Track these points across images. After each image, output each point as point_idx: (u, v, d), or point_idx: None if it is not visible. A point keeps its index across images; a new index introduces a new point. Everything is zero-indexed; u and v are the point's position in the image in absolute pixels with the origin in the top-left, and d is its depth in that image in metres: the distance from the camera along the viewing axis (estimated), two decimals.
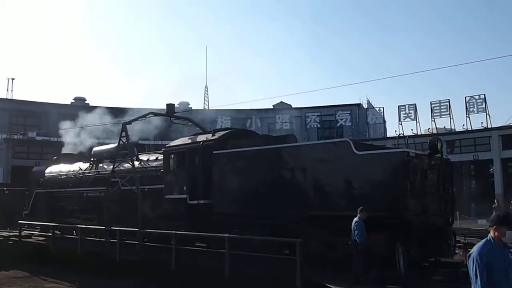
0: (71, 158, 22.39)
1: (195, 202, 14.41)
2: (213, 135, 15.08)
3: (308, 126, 48.22)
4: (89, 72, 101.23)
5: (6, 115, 45.57)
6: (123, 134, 16.92)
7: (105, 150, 20.43)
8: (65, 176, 21.26)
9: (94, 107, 47.83)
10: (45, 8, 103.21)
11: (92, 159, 20.45)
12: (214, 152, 14.12)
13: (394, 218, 10.25)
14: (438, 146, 11.65)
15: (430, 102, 43.61)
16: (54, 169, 22.44)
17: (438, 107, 43.36)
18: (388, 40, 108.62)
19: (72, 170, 21.17)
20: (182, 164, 15.23)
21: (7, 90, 49.30)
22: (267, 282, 11.00)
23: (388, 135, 47.52)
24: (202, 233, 13.41)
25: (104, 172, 18.87)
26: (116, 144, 17.91)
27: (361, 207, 10.25)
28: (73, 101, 50.31)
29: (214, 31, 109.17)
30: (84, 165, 20.71)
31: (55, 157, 24.41)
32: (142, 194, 16.05)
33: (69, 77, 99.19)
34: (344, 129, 48.03)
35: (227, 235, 12.17)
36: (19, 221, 20.84)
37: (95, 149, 21.09)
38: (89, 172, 19.94)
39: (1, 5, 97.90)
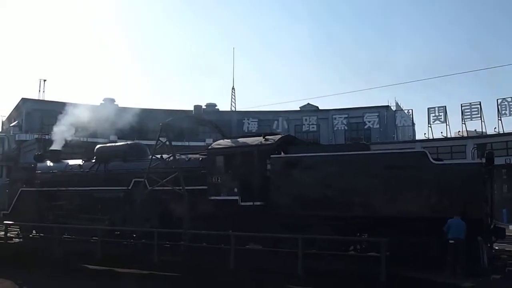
0: (57, 155, 21.38)
1: (250, 203, 14.50)
2: (265, 139, 15.32)
3: (335, 128, 47.90)
4: (118, 72, 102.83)
5: (38, 116, 46.58)
6: (163, 134, 16.74)
7: (113, 148, 19.80)
8: (61, 174, 19.94)
9: (124, 108, 49.02)
10: (78, 10, 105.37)
11: (95, 157, 19.57)
12: (273, 156, 14.53)
13: (470, 220, 11.71)
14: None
15: (461, 105, 42.90)
16: (44, 166, 20.95)
17: (469, 110, 42.55)
18: (420, 42, 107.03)
19: (70, 167, 20.00)
20: (233, 166, 15.19)
21: (39, 91, 50.43)
22: (348, 279, 11.77)
23: (417, 137, 46.88)
24: (268, 234, 13.70)
25: (119, 171, 18.21)
26: (121, 143, 18.48)
27: (460, 211, 11.71)
28: (103, 102, 51.14)
29: (241, 33, 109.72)
30: (87, 163, 19.59)
31: (38, 153, 23.23)
32: (177, 195, 15.87)
33: (99, 78, 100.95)
34: (372, 132, 47.51)
35: (300, 235, 12.66)
36: (5, 222, 19.60)
37: (99, 147, 20.31)
38: (96, 171, 18.95)
39: (36, 7, 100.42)
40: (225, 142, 16.32)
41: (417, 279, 11.40)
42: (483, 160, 12.90)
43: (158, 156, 17.21)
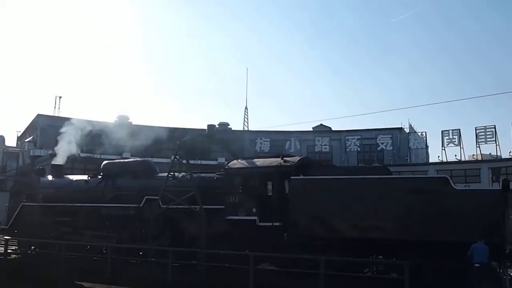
0: (60, 170, 21.08)
1: (269, 224, 14.54)
2: (284, 161, 15.41)
3: (347, 150, 47.68)
4: (132, 91, 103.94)
5: (53, 132, 47.08)
6: (180, 152, 16.75)
7: (121, 164, 19.62)
8: (66, 189, 19.62)
9: (136, 126, 49.39)
10: (91, 27, 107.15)
11: (101, 173, 19.36)
12: (293, 177, 14.58)
13: (491, 244, 12.15)
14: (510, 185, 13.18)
15: (475, 128, 42.49)
16: (47, 181, 20.66)
17: (483, 133, 42.14)
18: (430, 64, 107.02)
19: (76, 183, 19.75)
20: (252, 187, 15.32)
21: (54, 107, 51.10)
22: None
23: (431, 160, 46.49)
24: (289, 255, 13.80)
25: (128, 188, 18.00)
26: (130, 160, 18.43)
27: (483, 235, 12.15)
28: (116, 119, 51.59)
29: (255, 53, 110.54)
30: (93, 179, 19.36)
31: (39, 167, 22.82)
32: (191, 214, 15.76)
33: (113, 95, 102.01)
34: (384, 153, 47.23)
35: (324, 257, 12.83)
36: (5, 237, 19.22)
37: (107, 163, 20.10)
38: (104, 187, 18.66)
39: (50, 24, 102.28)
40: (242, 163, 16.37)
41: None
42: (499, 186, 13.31)
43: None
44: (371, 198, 13.56)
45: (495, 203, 12.65)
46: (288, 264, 14.13)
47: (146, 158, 22.64)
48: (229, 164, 16.64)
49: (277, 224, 14.56)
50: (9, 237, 19.33)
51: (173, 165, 16.94)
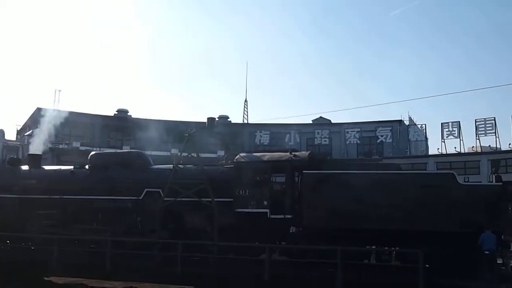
0: (37, 160, 19.57)
1: (280, 216, 14.92)
2: (293, 155, 15.88)
3: (347, 142, 47.73)
4: (132, 84, 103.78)
5: (53, 126, 47.13)
6: (189, 144, 16.61)
7: (112, 155, 19.07)
8: (49, 180, 18.24)
9: (136, 119, 49.41)
10: (89, 21, 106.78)
11: (88, 165, 18.37)
12: (305, 171, 15.07)
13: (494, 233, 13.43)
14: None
15: (475, 120, 42.57)
16: (26, 172, 19.04)
17: (483, 125, 42.20)
18: (433, 56, 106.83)
19: (60, 174, 18.52)
20: (263, 180, 15.68)
21: (54, 101, 51.04)
22: None
23: (430, 152, 46.55)
24: (305, 246, 14.41)
25: (124, 180, 17.32)
26: (121, 151, 17.77)
27: (491, 225, 13.39)
28: (116, 112, 51.60)
29: (255, 46, 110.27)
30: (80, 170, 18.30)
31: (13, 156, 21.15)
32: (195, 206, 15.78)
33: (113, 89, 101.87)
34: (384, 146, 47.29)
35: (339, 247, 13.49)
36: None
37: (96, 153, 19.37)
38: (95, 179, 17.66)
39: (51, 18, 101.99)
40: (252, 156, 16.62)
41: (457, 286, 13.00)
42: (491, 180, 14.78)
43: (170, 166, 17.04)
44: (384, 191, 14.36)
45: (496, 196, 13.96)
46: (297, 255, 14.61)
47: (138, 150, 22.20)
48: (237, 158, 16.62)
49: (289, 216, 14.96)
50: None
51: (181, 158, 16.76)
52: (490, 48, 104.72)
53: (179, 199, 15.97)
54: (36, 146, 20.98)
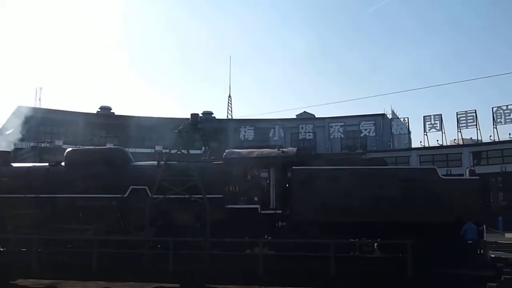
0: (5, 157, 18.31)
1: (271, 212, 15.33)
2: (281, 151, 16.24)
3: (331, 136, 48.02)
4: (113, 80, 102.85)
5: (34, 124, 46.57)
6: (179, 140, 16.50)
7: (90, 152, 18.46)
8: (23, 178, 17.20)
9: (119, 116, 49.03)
10: (72, 17, 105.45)
11: (64, 162, 17.51)
12: (295, 167, 15.52)
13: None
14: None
15: (456, 113, 43.10)
16: (4, 170, 17.72)
17: (464, 118, 42.76)
18: (415, 50, 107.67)
19: (34, 172, 17.51)
20: (253, 176, 15.91)
21: (35, 99, 50.40)
22: (375, 278, 13.91)
23: (413, 145, 47.05)
24: (302, 240, 14.74)
25: (106, 177, 16.78)
26: (100, 148, 17.26)
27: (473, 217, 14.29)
28: (99, 110, 51.18)
29: (238, 42, 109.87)
30: (56, 167, 17.41)
31: None
32: (183, 203, 15.73)
33: (95, 86, 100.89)
34: (368, 140, 47.69)
35: (332, 240, 14.15)
36: None
37: (72, 150, 18.50)
38: (74, 176, 16.78)
39: (31, 14, 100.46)
40: (240, 152, 16.63)
41: (450, 274, 13.63)
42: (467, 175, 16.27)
43: (155, 163, 16.90)
44: (371, 186, 14.96)
45: (474, 189, 14.99)
46: (287, 249, 14.93)
47: (118, 147, 21.64)
48: (225, 154, 16.60)
49: (279, 211, 15.28)
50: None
51: (170, 155, 16.60)
52: (473, 41, 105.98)
53: (169, 196, 15.81)
54: (6, 143, 20.00)
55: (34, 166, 18.38)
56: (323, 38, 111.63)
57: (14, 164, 18.66)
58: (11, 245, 16.54)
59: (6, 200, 16.82)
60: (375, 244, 15.33)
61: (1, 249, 16.81)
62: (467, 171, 16.91)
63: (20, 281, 16.76)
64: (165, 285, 15.75)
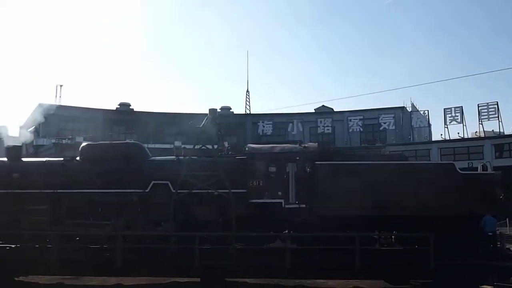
0: (17, 152, 17.90)
1: (295, 206, 15.60)
2: (304, 146, 16.67)
3: (350, 130, 47.69)
4: (133, 77, 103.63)
5: (55, 121, 47.19)
6: (204, 136, 16.42)
7: (106, 147, 18.09)
8: (39, 175, 16.72)
9: (138, 112, 49.39)
10: (91, 16, 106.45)
11: (79, 157, 17.19)
12: (318, 162, 15.82)
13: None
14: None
15: (478, 105, 42.35)
16: (5, 165, 17.36)
17: (486, 110, 42.05)
18: (434, 42, 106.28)
19: (49, 167, 17.17)
20: (277, 170, 15.95)
21: (56, 96, 51.03)
22: (399, 269, 14.61)
23: (433, 138, 46.47)
24: (327, 233, 15.04)
25: (125, 172, 16.57)
26: (116, 142, 17.29)
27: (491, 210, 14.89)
28: (118, 106, 51.59)
29: (255, 37, 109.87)
30: (71, 162, 17.14)
31: None
32: (206, 198, 15.82)
33: (115, 83, 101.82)
34: (387, 133, 47.22)
35: (357, 234, 14.60)
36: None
37: (88, 145, 18.21)
38: (91, 172, 16.51)
39: (52, 12, 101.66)
40: (264, 147, 16.89)
41: (468, 265, 14.02)
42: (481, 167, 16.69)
43: (172, 158, 16.97)
44: (392, 180, 15.30)
45: (490, 184, 15.48)
46: (309, 242, 15.30)
47: (135, 141, 21.37)
48: (248, 149, 16.73)
49: (303, 206, 15.49)
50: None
51: (194, 149, 16.51)
52: (492, 31, 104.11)
53: (194, 191, 15.78)
54: (15, 138, 19.46)
55: (48, 160, 18.05)
56: (341, 32, 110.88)
57: (26, 159, 18.30)
58: (24, 241, 16.24)
59: (18, 196, 16.44)
60: (392, 237, 15.87)
61: (12, 246, 16.40)
62: (480, 166, 17.10)
63: (30, 278, 16.51)
64: (181, 279, 15.68)
